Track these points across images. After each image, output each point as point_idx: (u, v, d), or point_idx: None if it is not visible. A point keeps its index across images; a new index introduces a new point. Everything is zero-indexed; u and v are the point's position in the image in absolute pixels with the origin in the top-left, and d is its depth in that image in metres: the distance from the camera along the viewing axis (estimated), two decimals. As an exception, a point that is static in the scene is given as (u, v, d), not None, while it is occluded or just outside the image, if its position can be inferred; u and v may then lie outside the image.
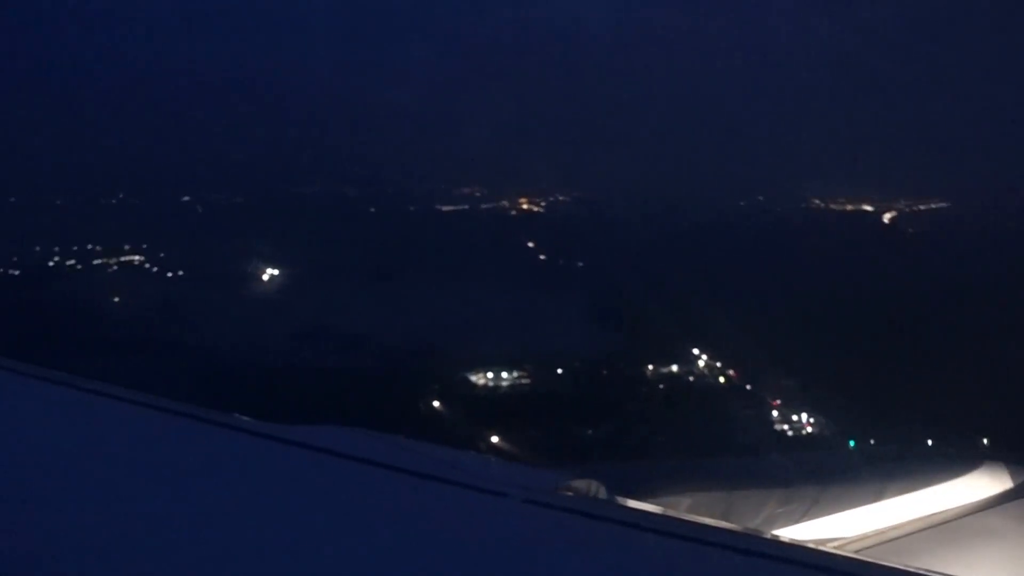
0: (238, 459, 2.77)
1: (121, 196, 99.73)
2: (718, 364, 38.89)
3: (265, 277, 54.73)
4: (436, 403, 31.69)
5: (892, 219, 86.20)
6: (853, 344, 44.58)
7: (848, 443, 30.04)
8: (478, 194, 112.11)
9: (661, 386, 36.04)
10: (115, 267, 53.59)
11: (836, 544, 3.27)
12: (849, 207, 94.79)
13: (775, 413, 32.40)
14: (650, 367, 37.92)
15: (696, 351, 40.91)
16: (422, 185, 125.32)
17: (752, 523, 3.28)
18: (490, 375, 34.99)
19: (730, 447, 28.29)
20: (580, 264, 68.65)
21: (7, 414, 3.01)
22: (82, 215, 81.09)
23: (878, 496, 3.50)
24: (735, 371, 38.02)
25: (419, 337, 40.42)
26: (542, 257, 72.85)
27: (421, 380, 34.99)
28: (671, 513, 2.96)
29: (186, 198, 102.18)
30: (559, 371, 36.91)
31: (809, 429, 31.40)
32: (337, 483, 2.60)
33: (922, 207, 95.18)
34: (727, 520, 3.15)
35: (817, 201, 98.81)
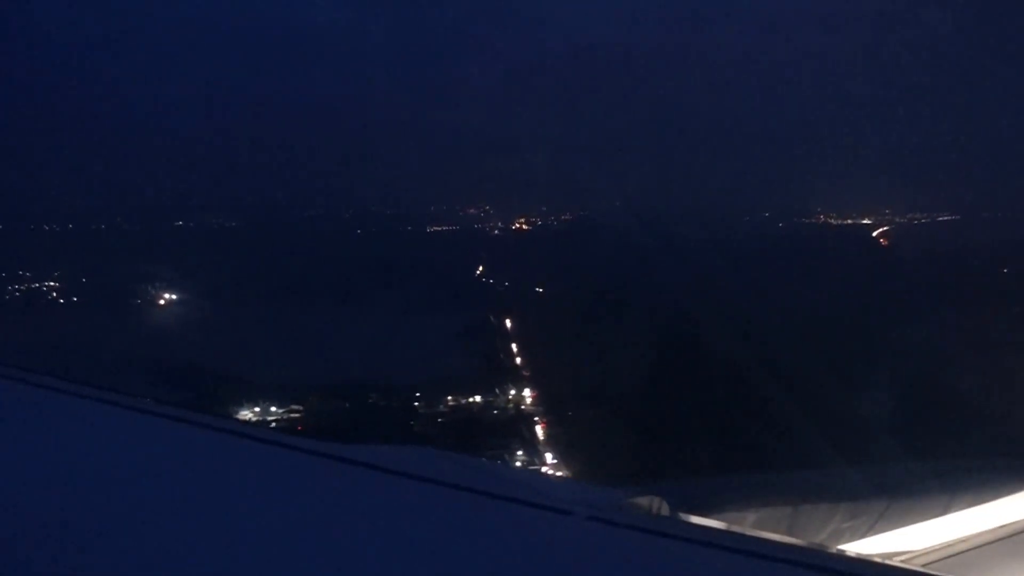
0: (305, 476, 2.79)
1: (118, 219, 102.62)
2: (527, 396, 36.46)
3: (161, 303, 55.10)
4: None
5: (880, 234, 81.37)
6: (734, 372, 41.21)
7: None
8: (481, 214, 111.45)
9: (440, 420, 33.90)
10: (18, 293, 54.82)
11: (903, 558, 3.26)
12: (850, 221, 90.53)
13: (519, 452, 29.86)
14: (449, 398, 35.84)
15: (525, 380, 38.65)
16: (434, 206, 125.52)
17: (818, 538, 3.27)
18: (257, 409, 33.63)
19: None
20: (519, 286, 66.56)
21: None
22: (61, 240, 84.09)
23: (946, 509, 3.48)
24: (535, 403, 35.54)
25: (236, 365, 39.44)
26: (485, 280, 71.10)
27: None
28: (735, 529, 2.96)
29: (179, 222, 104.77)
30: (346, 404, 35.27)
31: (544, 470, 28.71)
32: (402, 503, 2.62)
33: (923, 220, 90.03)
34: (792, 535, 3.18)
35: (826, 215, 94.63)
